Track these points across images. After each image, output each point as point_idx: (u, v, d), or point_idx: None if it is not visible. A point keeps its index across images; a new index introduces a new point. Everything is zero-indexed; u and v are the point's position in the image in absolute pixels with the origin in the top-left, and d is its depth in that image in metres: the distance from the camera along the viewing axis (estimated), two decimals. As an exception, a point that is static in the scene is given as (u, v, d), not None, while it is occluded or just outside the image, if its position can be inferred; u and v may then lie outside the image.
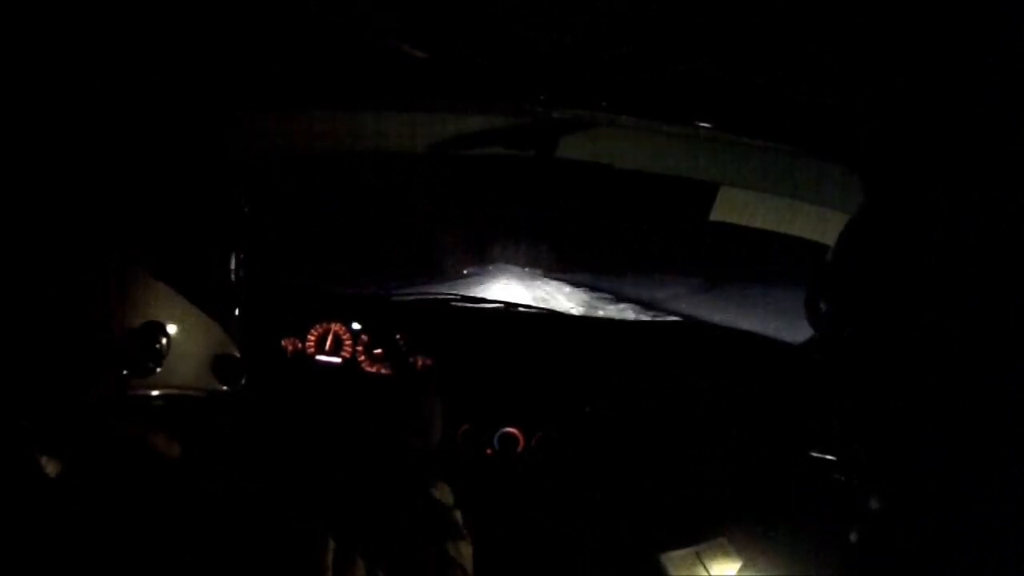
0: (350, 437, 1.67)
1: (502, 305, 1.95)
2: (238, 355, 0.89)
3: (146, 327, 0.75)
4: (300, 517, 0.75)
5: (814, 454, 0.97)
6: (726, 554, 1.30)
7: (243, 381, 0.89)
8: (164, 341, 0.76)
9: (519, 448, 1.68)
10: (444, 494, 1.14)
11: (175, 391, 0.80)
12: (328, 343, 1.82)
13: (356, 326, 1.81)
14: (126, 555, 0.65)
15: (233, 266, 0.90)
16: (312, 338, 1.82)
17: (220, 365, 0.86)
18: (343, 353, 1.81)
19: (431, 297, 2.03)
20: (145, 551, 0.66)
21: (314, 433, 1.64)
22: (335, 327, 1.82)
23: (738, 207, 1.77)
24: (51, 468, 0.68)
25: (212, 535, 0.69)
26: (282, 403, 1.67)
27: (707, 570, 1.28)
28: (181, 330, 0.79)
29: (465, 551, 1.07)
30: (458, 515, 1.12)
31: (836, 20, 1.02)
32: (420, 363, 1.76)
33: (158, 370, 0.76)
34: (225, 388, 0.87)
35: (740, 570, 1.21)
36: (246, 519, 0.72)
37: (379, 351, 1.79)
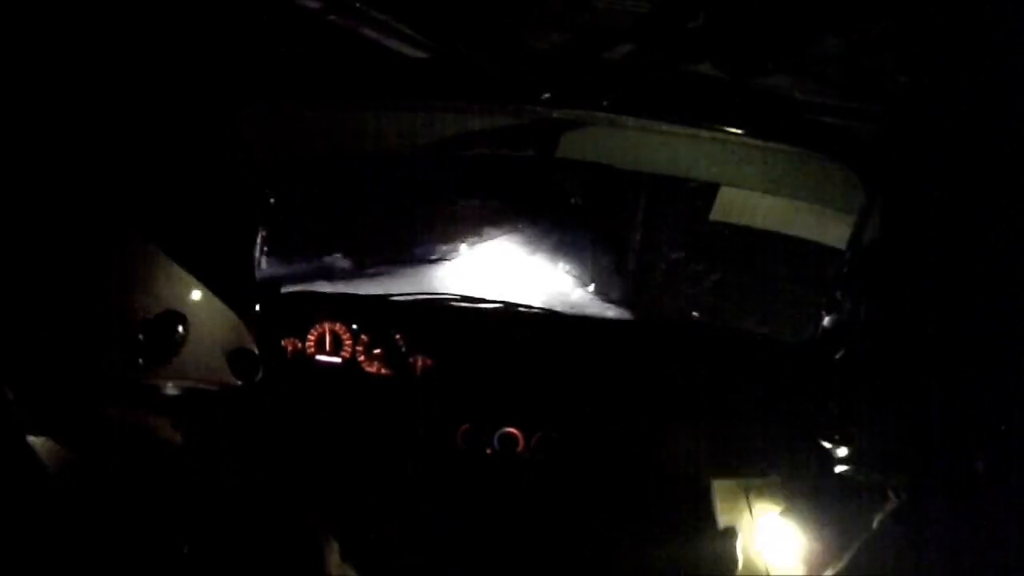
0: (350, 437, 1.67)
1: (502, 305, 1.95)
2: (255, 350, 0.88)
3: (164, 316, 0.73)
4: (300, 516, 0.75)
5: (824, 443, 0.98)
6: (772, 495, 1.30)
7: (258, 376, 0.89)
8: (181, 330, 0.75)
9: (519, 448, 1.68)
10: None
11: (189, 383, 0.79)
12: (328, 343, 1.81)
13: (356, 326, 1.81)
14: (125, 549, 0.65)
15: (255, 257, 0.89)
16: (312, 338, 1.82)
17: (236, 359, 0.85)
18: (343, 353, 1.81)
19: (431, 297, 2.02)
20: (145, 547, 0.66)
21: (314, 433, 1.64)
22: (335, 327, 1.82)
23: (738, 207, 1.77)
24: (48, 456, 0.67)
25: (213, 534, 0.69)
26: (282, 403, 1.67)
27: (750, 506, 1.29)
28: (200, 321, 0.78)
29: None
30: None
31: (836, 21, 1.02)
32: (420, 363, 1.76)
33: (173, 360, 0.75)
34: (239, 383, 0.86)
35: (781, 513, 1.23)
36: (246, 518, 0.72)
37: (379, 351, 1.79)
